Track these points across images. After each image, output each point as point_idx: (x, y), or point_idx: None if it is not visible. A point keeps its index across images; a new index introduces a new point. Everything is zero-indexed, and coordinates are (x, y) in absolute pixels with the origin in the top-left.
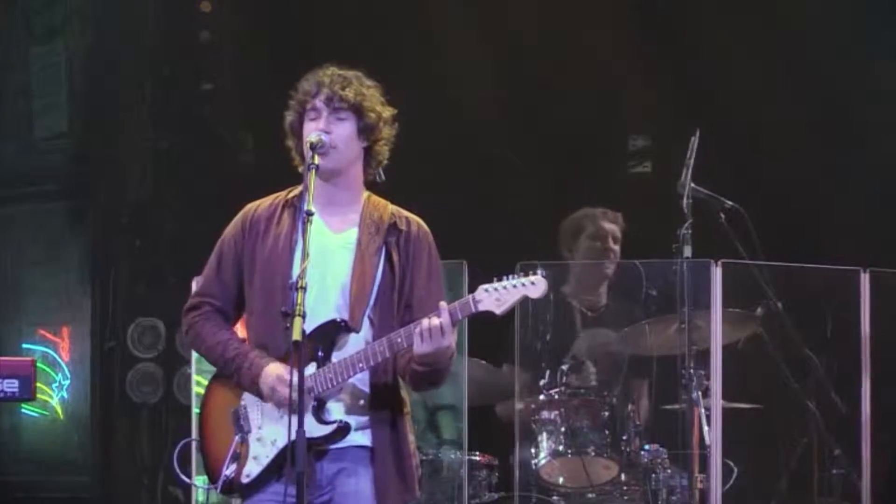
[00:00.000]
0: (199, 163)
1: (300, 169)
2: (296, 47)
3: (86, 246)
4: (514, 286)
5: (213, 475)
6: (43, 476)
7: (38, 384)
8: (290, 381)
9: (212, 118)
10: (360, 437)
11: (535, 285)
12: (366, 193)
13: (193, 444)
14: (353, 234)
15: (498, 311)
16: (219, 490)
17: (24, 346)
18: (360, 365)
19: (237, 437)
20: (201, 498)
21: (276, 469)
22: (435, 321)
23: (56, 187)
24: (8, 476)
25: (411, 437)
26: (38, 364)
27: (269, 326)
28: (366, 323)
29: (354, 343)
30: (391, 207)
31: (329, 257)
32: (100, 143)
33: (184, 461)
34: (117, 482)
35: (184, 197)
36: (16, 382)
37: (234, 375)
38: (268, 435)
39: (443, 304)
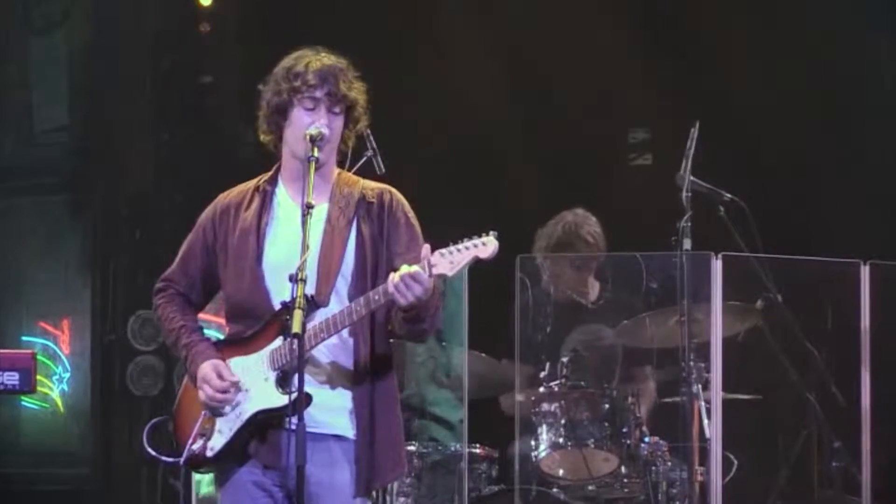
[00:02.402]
0: (199, 155)
1: (263, 138)
2: (296, 40)
3: (86, 238)
4: (467, 248)
5: (182, 451)
6: (43, 468)
7: (39, 377)
8: (274, 361)
9: (212, 111)
10: (341, 426)
11: (485, 245)
12: (336, 171)
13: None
14: (322, 209)
15: (450, 273)
16: (182, 463)
17: (25, 338)
18: (322, 335)
19: (204, 413)
20: (203, 490)
21: (241, 443)
22: (395, 278)
23: (56, 180)
24: (8, 468)
25: (397, 415)
26: (39, 356)
27: (242, 310)
28: (336, 298)
29: (323, 318)
30: (362, 182)
31: (299, 234)
32: (100, 136)
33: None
34: (117, 474)
35: (184, 189)
36: (16, 375)
37: (183, 365)
38: (233, 409)
39: (404, 266)
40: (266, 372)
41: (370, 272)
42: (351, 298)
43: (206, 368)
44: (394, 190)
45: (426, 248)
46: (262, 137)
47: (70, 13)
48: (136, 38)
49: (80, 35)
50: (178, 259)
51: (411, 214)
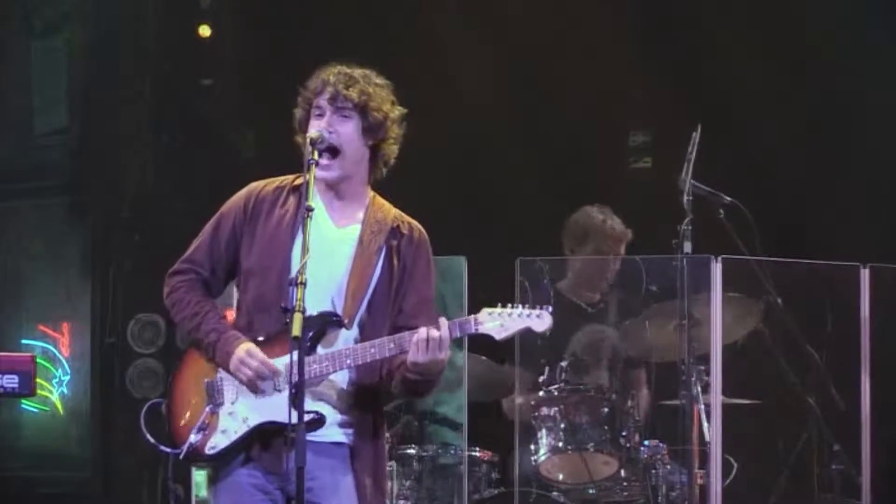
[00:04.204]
0: (199, 158)
1: None
2: (296, 43)
3: (86, 241)
4: (520, 315)
5: (176, 441)
6: (43, 471)
7: (38, 380)
8: (290, 374)
9: (211, 114)
10: (339, 435)
11: (540, 319)
12: (371, 193)
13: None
14: (355, 230)
15: (498, 336)
16: (182, 456)
17: (24, 341)
18: (348, 361)
19: (208, 408)
20: (202, 493)
21: (243, 446)
22: (434, 333)
23: (56, 183)
24: (8, 471)
25: (385, 439)
26: (38, 359)
27: (261, 307)
28: (356, 322)
29: (342, 339)
30: (395, 211)
31: (329, 250)
32: (100, 139)
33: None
34: (117, 477)
35: (184, 192)
36: (16, 378)
37: (208, 349)
38: (240, 411)
39: (443, 319)
40: (280, 384)
41: (392, 301)
42: (363, 324)
43: (249, 347)
44: (422, 229)
45: (443, 320)
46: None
47: (70, 16)
48: (135, 40)
49: (80, 38)
50: (202, 243)
51: (432, 258)
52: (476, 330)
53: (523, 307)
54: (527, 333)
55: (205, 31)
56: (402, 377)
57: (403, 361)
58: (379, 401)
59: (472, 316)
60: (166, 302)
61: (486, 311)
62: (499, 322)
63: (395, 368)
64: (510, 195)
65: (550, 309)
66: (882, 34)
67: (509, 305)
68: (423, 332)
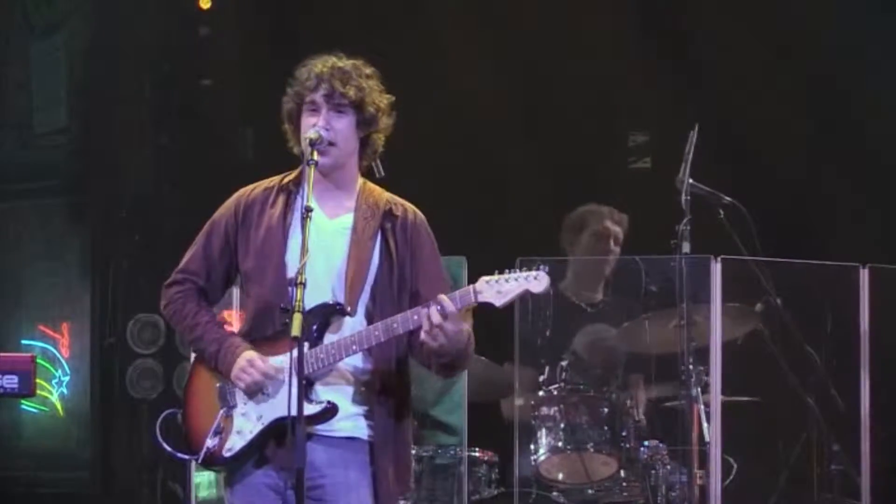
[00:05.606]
0: (198, 158)
1: (295, 150)
2: (295, 43)
3: (85, 242)
4: (517, 279)
5: (193, 448)
6: (42, 472)
7: (38, 380)
8: (290, 373)
9: (211, 114)
10: (354, 428)
11: (537, 280)
12: (361, 180)
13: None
14: (348, 219)
15: (498, 302)
16: (199, 461)
17: (24, 341)
18: (354, 347)
19: (222, 412)
20: (202, 494)
21: (259, 446)
22: (436, 317)
23: (55, 183)
24: (7, 472)
25: (410, 428)
26: (38, 360)
27: (261, 310)
28: (361, 309)
29: (348, 327)
30: (386, 195)
31: (324, 242)
32: (99, 139)
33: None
34: (117, 478)
35: (183, 192)
36: (15, 378)
37: (210, 360)
38: (253, 411)
39: (441, 296)
40: (290, 378)
41: (397, 286)
42: (368, 310)
43: (251, 354)
44: (417, 209)
45: (442, 297)
46: (294, 149)
47: (70, 16)
48: (135, 40)
49: (80, 38)
50: (195, 252)
51: (432, 236)
52: (475, 299)
53: (520, 270)
54: (526, 295)
55: (205, 30)
56: (435, 364)
57: (430, 349)
58: (401, 387)
59: (471, 286)
60: (164, 313)
61: (483, 279)
62: (496, 289)
63: (427, 357)
64: (510, 195)
65: (547, 269)
66: (882, 34)
67: (506, 271)
68: (425, 323)
